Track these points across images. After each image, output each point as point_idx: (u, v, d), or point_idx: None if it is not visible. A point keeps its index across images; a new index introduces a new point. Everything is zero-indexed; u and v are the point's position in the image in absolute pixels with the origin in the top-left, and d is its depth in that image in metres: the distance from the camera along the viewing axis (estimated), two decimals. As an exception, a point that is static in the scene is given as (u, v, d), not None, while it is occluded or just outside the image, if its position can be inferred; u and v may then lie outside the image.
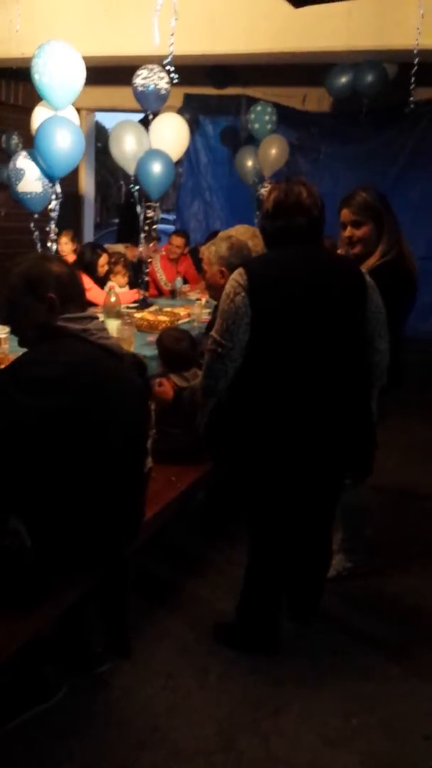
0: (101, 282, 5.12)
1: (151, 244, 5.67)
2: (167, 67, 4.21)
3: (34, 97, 4.29)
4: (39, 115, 4.04)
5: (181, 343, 3.07)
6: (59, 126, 3.89)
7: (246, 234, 3.35)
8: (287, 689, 2.41)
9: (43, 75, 3.78)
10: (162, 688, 2.38)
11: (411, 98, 5.09)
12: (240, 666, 2.49)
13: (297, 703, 2.34)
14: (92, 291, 4.70)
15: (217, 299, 3.29)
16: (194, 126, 7.97)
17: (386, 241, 2.69)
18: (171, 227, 11.47)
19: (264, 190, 6.63)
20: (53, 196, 4.08)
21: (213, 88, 7.64)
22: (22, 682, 2.17)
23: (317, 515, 2.52)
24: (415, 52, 4.54)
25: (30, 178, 3.98)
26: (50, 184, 4.03)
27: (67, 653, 2.34)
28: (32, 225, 4.18)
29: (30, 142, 4.14)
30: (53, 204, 4.09)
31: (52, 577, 1.98)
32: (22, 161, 3.97)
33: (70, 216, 7.03)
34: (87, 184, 9.04)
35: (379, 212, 2.69)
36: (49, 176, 4.00)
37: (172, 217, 13.70)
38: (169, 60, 4.05)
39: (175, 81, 4.25)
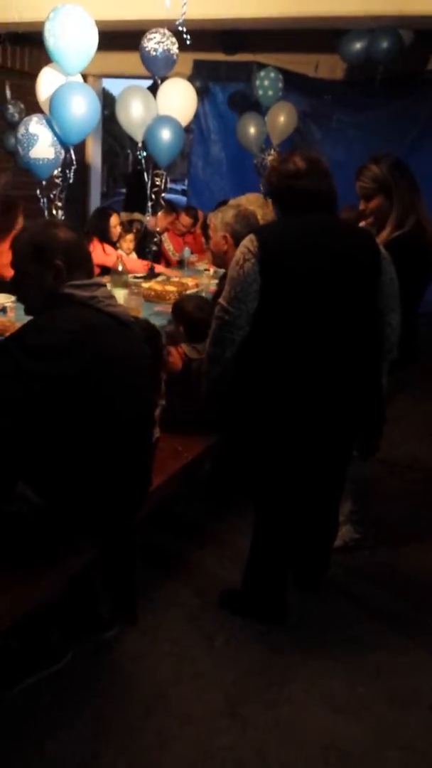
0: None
1: (168, 218, 5.62)
2: (180, 29, 4.10)
3: (41, 63, 4.21)
4: (45, 80, 3.97)
5: (203, 311, 3.05)
6: (75, 91, 3.82)
7: (256, 202, 3.31)
8: (293, 657, 2.42)
9: (58, 39, 3.69)
10: (168, 654, 2.39)
11: None
12: (246, 634, 2.51)
13: (303, 672, 2.36)
14: (111, 256, 4.68)
15: (220, 266, 3.26)
16: (204, 93, 7.84)
17: (396, 214, 2.62)
18: (179, 197, 11.35)
19: (270, 158, 6.52)
20: (64, 163, 4.03)
21: (224, 54, 7.49)
22: (29, 646, 2.19)
23: (325, 486, 2.51)
24: None
25: (44, 144, 3.91)
26: (62, 151, 3.98)
27: (74, 618, 2.35)
28: (38, 192, 4.13)
29: (32, 109, 4.07)
30: (60, 171, 4.03)
31: (60, 543, 1.98)
32: (35, 126, 3.90)
33: (77, 185, 6.96)
34: (94, 153, 8.93)
35: (389, 184, 2.63)
36: (63, 142, 3.94)
37: (180, 186, 13.58)
38: (180, 21, 3.95)
39: (188, 43, 4.14)
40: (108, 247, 4.88)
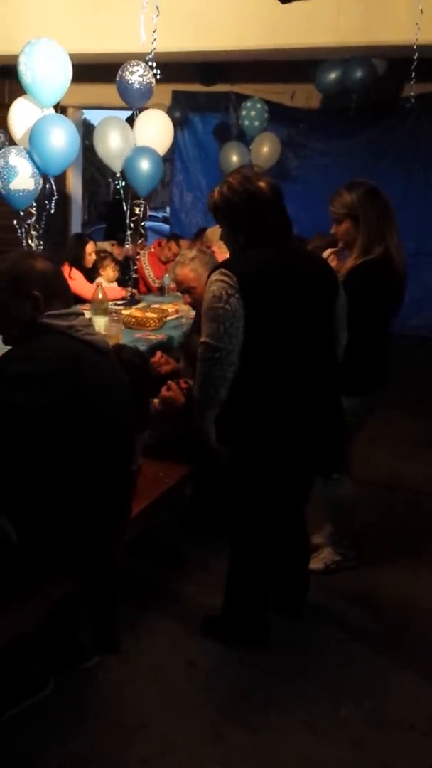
0: (91, 275, 5.13)
1: (139, 241, 5.67)
2: (150, 63, 4.22)
3: (18, 94, 4.28)
4: (19, 111, 4.04)
5: None
6: (54, 124, 3.90)
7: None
8: (275, 681, 2.42)
9: (34, 72, 3.79)
10: (150, 682, 2.38)
11: (412, 93, 5.14)
12: (228, 659, 2.50)
13: (284, 695, 2.36)
14: (77, 282, 4.72)
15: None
16: (184, 123, 7.98)
17: (363, 241, 2.70)
18: (159, 224, 11.43)
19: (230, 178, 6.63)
20: (43, 194, 4.09)
21: (201, 85, 7.64)
22: (10, 677, 2.17)
23: (299, 508, 2.54)
24: (415, 47, 4.54)
25: (24, 176, 3.97)
26: (41, 181, 4.05)
27: (55, 648, 2.34)
28: (15, 222, 4.18)
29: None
30: (36, 201, 4.09)
31: (39, 572, 1.98)
32: (15, 158, 3.96)
33: (58, 215, 7.04)
34: (74, 182, 9.00)
35: (357, 212, 2.71)
36: (44, 173, 4.01)
37: (161, 214, 13.71)
38: (151, 56, 4.06)
39: (159, 77, 4.25)
40: (76, 272, 4.90)
